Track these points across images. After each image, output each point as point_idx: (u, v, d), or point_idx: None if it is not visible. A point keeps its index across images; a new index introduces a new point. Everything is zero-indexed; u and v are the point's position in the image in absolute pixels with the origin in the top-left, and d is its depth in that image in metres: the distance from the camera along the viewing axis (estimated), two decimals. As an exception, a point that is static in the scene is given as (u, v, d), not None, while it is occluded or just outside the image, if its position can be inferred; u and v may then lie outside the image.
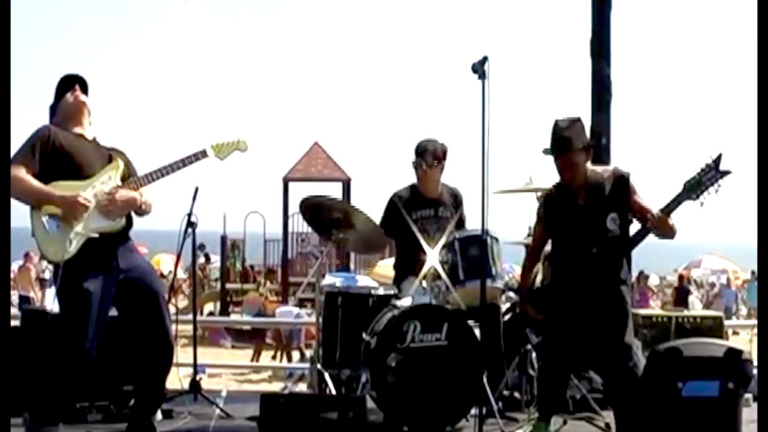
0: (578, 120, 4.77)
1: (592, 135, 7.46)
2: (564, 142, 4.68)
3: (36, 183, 4.39)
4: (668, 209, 4.41)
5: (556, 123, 4.72)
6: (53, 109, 4.66)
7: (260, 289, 17.42)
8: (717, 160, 4.27)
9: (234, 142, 4.80)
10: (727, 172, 4.27)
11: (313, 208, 5.47)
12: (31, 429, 4.46)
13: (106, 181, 4.52)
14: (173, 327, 4.86)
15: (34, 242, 4.48)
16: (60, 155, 4.45)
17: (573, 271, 4.70)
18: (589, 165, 4.77)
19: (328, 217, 5.36)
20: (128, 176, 4.60)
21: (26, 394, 4.56)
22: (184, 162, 4.63)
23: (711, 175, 4.28)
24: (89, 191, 4.47)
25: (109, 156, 4.62)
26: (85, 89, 4.66)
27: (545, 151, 4.75)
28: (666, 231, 4.47)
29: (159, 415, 4.97)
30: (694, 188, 4.32)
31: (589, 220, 4.66)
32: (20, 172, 4.35)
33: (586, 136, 4.79)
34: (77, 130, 4.59)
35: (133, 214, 4.67)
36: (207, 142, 4.74)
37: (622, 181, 4.69)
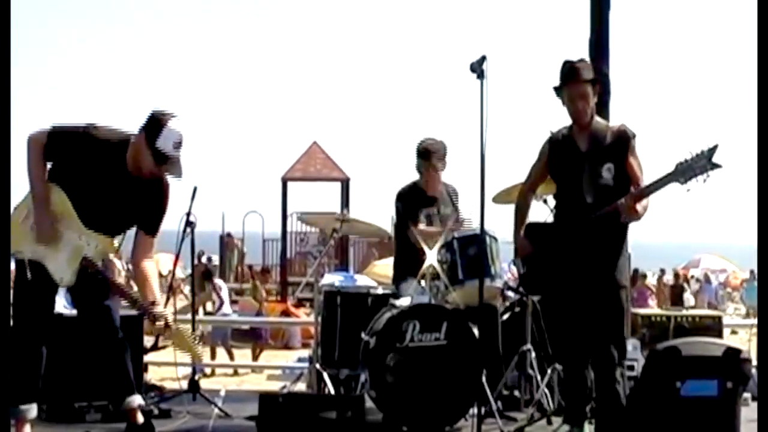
0: (585, 59, 4.81)
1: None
2: (573, 71, 4.68)
3: (41, 175, 4.38)
4: (654, 187, 4.39)
5: (565, 60, 4.73)
6: (146, 138, 4.36)
7: (256, 294, 17.37)
8: (712, 150, 4.24)
9: (192, 347, 4.41)
10: (717, 165, 4.22)
11: (311, 222, 5.52)
12: (12, 414, 4.43)
13: (91, 244, 4.41)
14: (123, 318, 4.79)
15: None
16: (84, 172, 4.37)
17: (570, 223, 4.67)
18: (596, 117, 4.76)
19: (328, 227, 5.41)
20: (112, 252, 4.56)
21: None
22: (144, 310, 4.42)
23: (702, 163, 4.23)
24: (70, 235, 4.40)
25: (117, 222, 4.48)
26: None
27: (556, 90, 4.74)
28: (632, 216, 4.47)
29: (138, 400, 4.81)
30: (684, 172, 4.27)
31: (586, 167, 4.63)
32: (39, 149, 4.33)
33: (594, 74, 4.76)
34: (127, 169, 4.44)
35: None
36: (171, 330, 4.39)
37: (624, 136, 4.64)
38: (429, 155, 5.71)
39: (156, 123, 4.35)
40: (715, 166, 4.21)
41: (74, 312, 4.79)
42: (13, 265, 4.47)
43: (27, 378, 4.45)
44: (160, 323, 4.38)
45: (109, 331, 4.59)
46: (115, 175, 4.42)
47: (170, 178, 4.50)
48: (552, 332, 5.32)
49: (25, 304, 4.44)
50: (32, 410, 4.48)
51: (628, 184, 4.58)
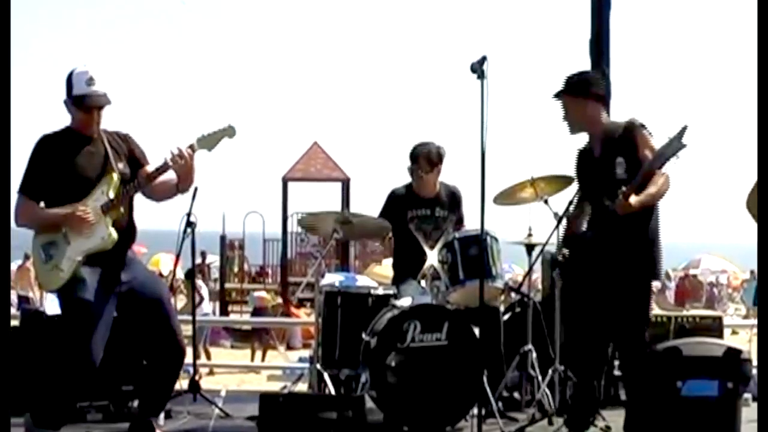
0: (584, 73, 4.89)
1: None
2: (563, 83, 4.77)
3: (41, 210, 4.46)
4: (638, 179, 4.41)
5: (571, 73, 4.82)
6: (67, 104, 4.55)
7: (274, 306, 17.44)
8: (682, 132, 4.27)
9: (221, 130, 4.63)
10: (683, 145, 4.26)
11: (311, 228, 5.53)
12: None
13: (99, 197, 4.48)
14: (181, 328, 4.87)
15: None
16: (56, 172, 4.45)
17: (591, 228, 4.71)
18: (609, 118, 4.80)
19: (327, 227, 5.41)
20: (126, 179, 4.57)
21: (27, 395, 4.57)
22: (161, 169, 4.54)
23: (675, 145, 4.28)
24: (88, 204, 4.47)
25: (105, 161, 4.54)
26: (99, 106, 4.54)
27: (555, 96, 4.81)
28: (627, 209, 4.45)
29: (162, 420, 4.97)
30: (660, 157, 4.33)
31: (601, 171, 4.65)
32: (25, 200, 4.44)
33: (593, 87, 4.79)
34: (82, 133, 4.54)
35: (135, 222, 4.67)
36: (192, 136, 4.61)
37: (630, 127, 4.65)
38: (416, 158, 5.75)
39: (66, 82, 4.51)
40: (683, 146, 4.26)
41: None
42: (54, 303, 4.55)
43: (64, 402, 4.49)
44: (187, 154, 4.47)
45: (177, 360, 4.67)
46: (80, 148, 4.51)
47: (104, 108, 4.53)
48: (568, 337, 5.29)
49: (73, 322, 4.42)
50: None
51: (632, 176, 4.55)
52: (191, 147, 4.55)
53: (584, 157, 4.88)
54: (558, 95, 4.81)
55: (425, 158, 5.75)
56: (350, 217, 5.39)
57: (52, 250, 4.45)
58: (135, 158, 4.66)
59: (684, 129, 4.26)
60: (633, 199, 4.43)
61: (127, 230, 4.60)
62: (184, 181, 4.59)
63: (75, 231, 4.42)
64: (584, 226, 4.86)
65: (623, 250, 4.58)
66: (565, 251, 4.94)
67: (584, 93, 4.76)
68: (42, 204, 4.51)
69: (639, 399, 4.54)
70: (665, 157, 4.31)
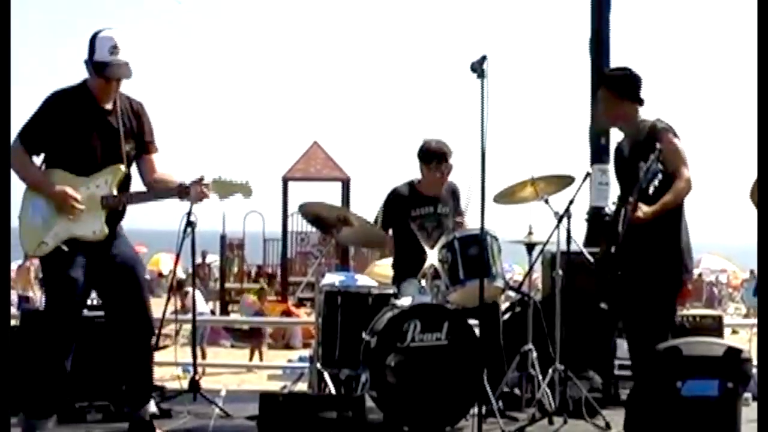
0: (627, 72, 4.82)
1: (591, 135, 7.52)
2: (601, 77, 4.87)
3: (34, 167, 4.40)
4: (636, 196, 4.41)
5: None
6: (87, 65, 4.45)
7: (262, 295, 17.38)
8: (657, 157, 4.32)
9: (238, 184, 4.57)
10: (659, 170, 4.31)
11: (311, 215, 5.49)
12: (25, 426, 4.45)
13: (102, 185, 4.45)
14: (169, 325, 4.86)
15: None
16: (63, 134, 4.37)
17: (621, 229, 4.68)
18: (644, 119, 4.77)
19: (328, 221, 5.38)
20: (128, 177, 4.55)
21: (21, 393, 4.57)
22: (173, 192, 4.51)
23: (654, 167, 4.32)
24: (82, 191, 4.42)
25: (115, 144, 4.47)
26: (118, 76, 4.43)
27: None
28: (638, 220, 4.45)
29: (153, 407, 4.93)
30: (644, 177, 4.36)
31: (630, 172, 4.64)
32: (21, 151, 4.35)
33: (633, 88, 4.76)
34: (98, 105, 4.46)
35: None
36: (211, 175, 4.54)
37: (653, 130, 4.63)
38: (431, 158, 5.72)
39: (89, 43, 4.40)
40: (659, 170, 4.32)
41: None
42: (36, 262, 4.51)
43: (51, 388, 4.44)
44: (197, 189, 4.45)
45: (144, 332, 4.62)
46: (93, 117, 4.44)
47: (123, 80, 4.44)
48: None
49: (58, 298, 4.39)
50: (50, 424, 4.49)
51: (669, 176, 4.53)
52: (205, 186, 4.51)
53: (618, 156, 4.92)
54: (599, 86, 4.83)
55: (446, 156, 5.74)
56: (351, 218, 5.37)
57: (44, 214, 4.38)
58: (142, 138, 4.59)
59: (659, 153, 4.31)
60: (644, 211, 4.43)
61: (122, 210, 4.57)
62: (183, 198, 4.58)
63: (62, 212, 4.37)
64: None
65: (646, 258, 4.59)
66: (604, 249, 4.89)
67: (624, 93, 4.75)
68: (42, 158, 4.42)
69: (639, 399, 4.54)
70: (648, 177, 4.33)
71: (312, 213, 5.46)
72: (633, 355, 4.87)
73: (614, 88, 4.78)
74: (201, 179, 4.51)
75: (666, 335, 4.65)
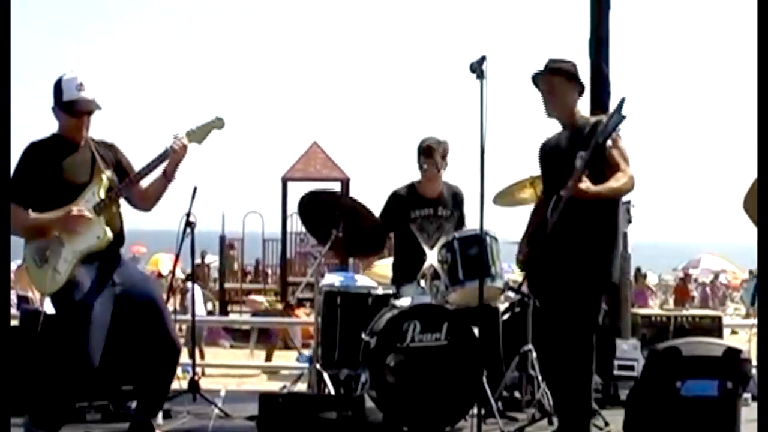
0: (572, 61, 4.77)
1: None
2: (546, 66, 4.69)
3: (24, 214, 4.42)
4: (587, 159, 4.34)
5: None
6: (55, 111, 4.58)
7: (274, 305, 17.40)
8: (621, 104, 4.27)
9: (209, 122, 4.68)
10: (623, 117, 4.26)
11: (313, 205, 5.47)
12: None
13: (90, 198, 4.49)
14: (176, 327, 4.88)
15: None
16: (44, 179, 4.45)
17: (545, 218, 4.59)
18: (583, 112, 4.73)
19: (327, 215, 5.35)
20: (114, 186, 4.57)
21: (26, 396, 4.57)
22: (162, 157, 4.57)
23: (615, 118, 4.28)
24: (81, 205, 4.47)
25: (93, 166, 4.55)
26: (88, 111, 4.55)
27: (533, 80, 4.73)
28: (577, 193, 4.35)
29: (161, 419, 4.97)
30: (603, 132, 4.31)
31: (563, 162, 4.54)
32: (13, 207, 4.38)
33: (576, 75, 4.73)
34: (70, 140, 4.56)
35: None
36: (181, 130, 4.64)
37: (599, 124, 4.52)
38: (431, 153, 5.71)
39: (55, 89, 4.52)
40: (623, 118, 4.26)
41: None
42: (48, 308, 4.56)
43: (64, 404, 4.50)
44: (178, 144, 4.52)
45: (171, 356, 4.66)
46: (69, 155, 4.51)
47: (94, 113, 4.55)
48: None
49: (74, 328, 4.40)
50: None
51: (604, 170, 4.47)
52: (183, 144, 4.59)
53: (550, 150, 4.77)
54: (551, 73, 4.68)
55: (441, 153, 5.73)
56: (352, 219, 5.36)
57: (47, 254, 4.45)
58: (122, 168, 4.68)
59: (622, 101, 4.26)
60: (587, 185, 4.35)
61: (119, 233, 4.62)
62: (172, 174, 4.61)
63: (69, 231, 4.42)
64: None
65: (577, 254, 4.49)
66: (525, 250, 4.84)
67: (576, 79, 4.72)
68: (30, 211, 4.49)
69: (638, 399, 4.54)
70: (607, 131, 4.28)
71: (314, 201, 5.44)
72: (544, 350, 4.82)
73: (567, 75, 4.68)
74: (176, 136, 4.60)
75: (587, 336, 4.56)
